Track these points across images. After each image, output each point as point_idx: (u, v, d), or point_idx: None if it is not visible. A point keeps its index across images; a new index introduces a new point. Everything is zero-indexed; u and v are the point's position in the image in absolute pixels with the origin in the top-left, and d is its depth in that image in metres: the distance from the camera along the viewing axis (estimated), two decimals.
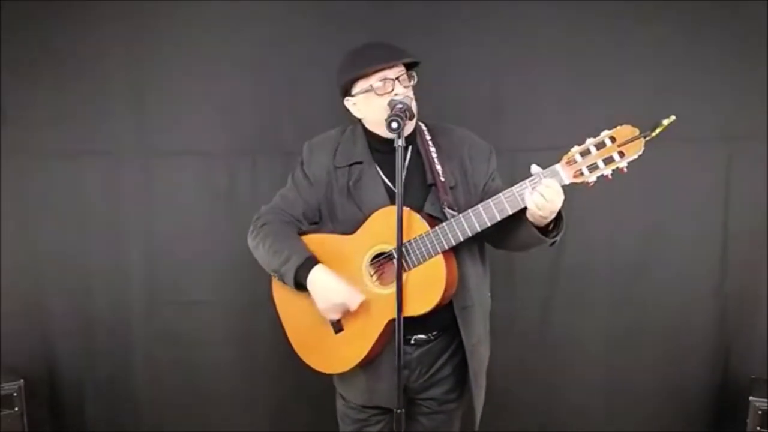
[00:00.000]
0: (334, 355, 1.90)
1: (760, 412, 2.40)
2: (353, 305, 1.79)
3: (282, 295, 1.96)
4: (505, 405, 2.75)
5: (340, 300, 1.79)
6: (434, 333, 1.89)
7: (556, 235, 1.73)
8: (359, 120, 1.89)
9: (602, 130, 1.61)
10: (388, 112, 1.67)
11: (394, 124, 1.61)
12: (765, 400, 2.40)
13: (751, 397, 2.42)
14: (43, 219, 2.78)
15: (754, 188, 2.59)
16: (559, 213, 1.68)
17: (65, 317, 2.82)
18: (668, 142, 2.47)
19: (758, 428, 2.40)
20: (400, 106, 1.67)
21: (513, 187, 1.66)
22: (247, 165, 2.75)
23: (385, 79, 1.76)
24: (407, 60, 1.79)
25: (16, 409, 2.56)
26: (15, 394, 2.56)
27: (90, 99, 2.72)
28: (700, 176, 2.63)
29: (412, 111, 1.72)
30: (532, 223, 1.68)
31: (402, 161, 1.64)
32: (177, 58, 2.70)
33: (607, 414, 2.78)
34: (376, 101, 1.77)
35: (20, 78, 2.69)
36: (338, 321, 1.88)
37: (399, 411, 1.72)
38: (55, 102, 2.72)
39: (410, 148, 1.86)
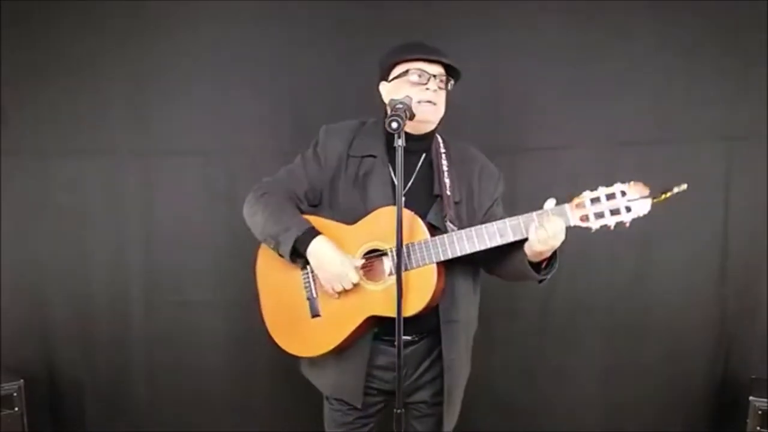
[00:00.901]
0: (305, 339, 1.90)
1: (760, 412, 2.40)
2: (353, 278, 1.78)
3: (266, 271, 1.96)
4: (505, 405, 2.76)
5: (340, 270, 1.78)
6: (418, 335, 1.89)
7: (546, 274, 1.75)
8: (384, 112, 1.89)
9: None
10: (389, 111, 1.67)
11: (394, 124, 1.60)
12: (765, 400, 2.40)
13: (751, 397, 2.42)
14: (43, 219, 2.78)
15: (754, 188, 2.59)
16: (554, 254, 1.71)
17: (65, 317, 2.82)
18: (668, 142, 2.48)
19: (758, 428, 2.40)
20: (400, 106, 1.67)
21: (520, 216, 1.68)
22: (247, 165, 2.75)
23: (422, 71, 1.79)
24: (446, 61, 1.81)
25: (16, 409, 2.56)
26: (15, 394, 2.56)
27: (90, 99, 2.72)
28: (700, 176, 2.63)
29: (412, 111, 1.71)
30: (527, 256, 1.70)
31: (402, 161, 1.63)
32: (177, 59, 2.70)
33: (607, 414, 2.78)
34: (405, 89, 1.79)
35: (20, 78, 2.69)
36: (316, 305, 1.88)
37: (399, 411, 1.72)
38: (55, 102, 2.72)
39: (424, 156, 1.88)
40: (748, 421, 2.42)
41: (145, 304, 2.82)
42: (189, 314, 2.81)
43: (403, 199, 1.81)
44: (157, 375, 2.86)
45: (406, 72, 1.80)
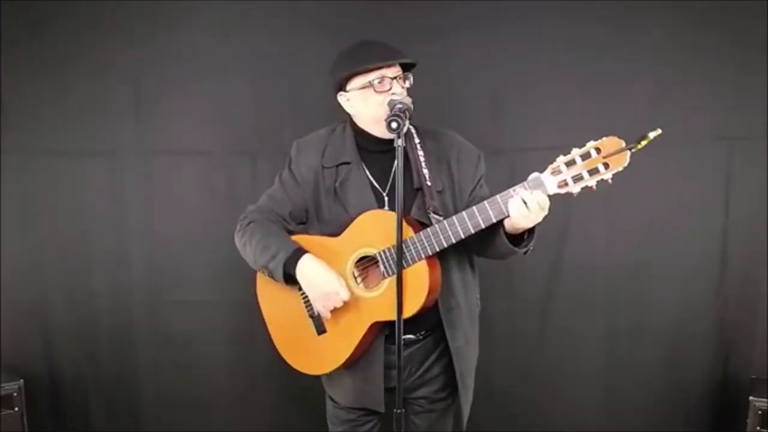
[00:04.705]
0: (317, 357, 1.90)
1: (760, 412, 2.39)
2: (343, 295, 1.77)
3: (266, 295, 1.97)
4: (504, 405, 2.77)
5: (330, 288, 1.77)
6: (422, 333, 1.89)
7: (527, 246, 1.73)
8: (349, 117, 1.89)
9: (596, 136, 1.60)
10: (387, 111, 1.67)
11: (394, 124, 1.60)
12: (765, 400, 2.40)
13: (751, 397, 2.42)
14: (44, 219, 2.78)
15: (754, 188, 2.59)
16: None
17: (66, 317, 2.83)
18: (668, 142, 2.47)
19: (758, 428, 2.40)
20: (400, 106, 1.67)
21: (497, 195, 1.66)
22: (247, 165, 2.75)
23: (383, 78, 1.77)
24: (406, 61, 1.79)
25: (16, 409, 2.57)
26: (15, 394, 2.56)
27: (90, 99, 2.73)
28: (700, 176, 2.63)
29: (412, 111, 1.71)
30: (506, 232, 1.69)
31: (401, 161, 1.63)
32: (177, 58, 2.70)
33: (607, 414, 2.78)
34: (372, 98, 1.78)
35: (21, 78, 2.70)
36: (321, 322, 1.88)
37: (399, 411, 1.72)
38: (56, 102, 2.73)
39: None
40: (748, 421, 2.42)
41: (145, 303, 2.82)
42: (190, 314, 2.81)
43: (386, 199, 1.82)
44: (157, 374, 2.86)
45: (368, 83, 1.77)
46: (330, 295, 1.78)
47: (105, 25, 2.69)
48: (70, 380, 2.86)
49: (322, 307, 1.82)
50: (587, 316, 2.73)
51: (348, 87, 1.81)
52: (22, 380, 2.59)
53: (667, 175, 2.62)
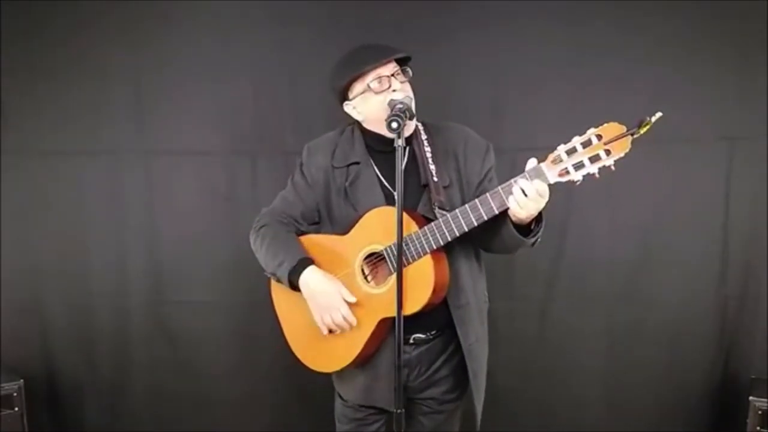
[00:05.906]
0: (328, 354, 1.91)
1: (760, 412, 2.40)
2: (344, 312, 1.80)
3: (279, 294, 1.97)
4: (505, 404, 2.76)
5: (328, 302, 1.80)
6: (433, 332, 1.89)
7: (536, 235, 1.72)
8: (359, 121, 1.90)
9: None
10: (388, 112, 1.67)
11: (394, 124, 1.61)
12: (765, 400, 2.40)
13: (751, 397, 2.42)
14: (43, 219, 2.78)
15: (754, 188, 2.59)
16: (539, 213, 1.68)
17: (65, 317, 2.83)
18: (668, 142, 2.48)
19: (758, 428, 2.40)
20: (400, 106, 1.67)
21: (499, 187, 1.66)
22: (247, 165, 2.75)
23: (380, 77, 1.77)
24: (398, 56, 1.80)
25: (16, 409, 2.57)
26: (15, 394, 2.57)
27: (91, 99, 2.73)
28: (700, 176, 2.63)
29: (412, 111, 1.72)
30: (513, 222, 1.68)
31: (402, 161, 1.63)
32: (177, 59, 2.70)
33: (608, 414, 2.78)
34: (373, 99, 1.79)
35: (21, 78, 2.70)
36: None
37: (399, 411, 1.72)
38: (56, 102, 2.73)
39: (407, 148, 1.86)
40: (748, 421, 2.42)
41: (145, 303, 2.82)
42: (189, 314, 2.81)
43: (396, 197, 1.82)
44: (157, 375, 2.86)
45: (367, 86, 1.78)
46: (329, 309, 1.81)
47: (105, 26, 2.69)
48: (70, 380, 2.87)
49: (319, 319, 1.84)
50: (587, 315, 2.73)
51: (350, 95, 1.83)
52: (22, 380, 2.60)
53: (668, 175, 2.62)
